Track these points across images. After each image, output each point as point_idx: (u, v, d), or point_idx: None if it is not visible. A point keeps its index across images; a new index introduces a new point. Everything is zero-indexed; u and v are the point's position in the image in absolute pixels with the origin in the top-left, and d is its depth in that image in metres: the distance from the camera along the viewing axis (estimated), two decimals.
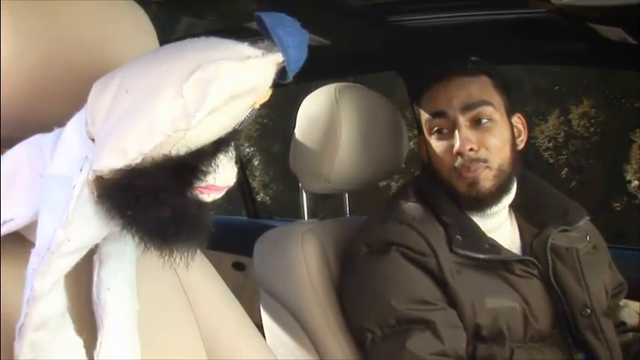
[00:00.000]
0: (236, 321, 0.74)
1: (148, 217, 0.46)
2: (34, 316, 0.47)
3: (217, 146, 0.49)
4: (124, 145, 0.44)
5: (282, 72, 0.48)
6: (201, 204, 0.49)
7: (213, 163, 0.48)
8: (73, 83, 0.54)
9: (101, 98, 0.47)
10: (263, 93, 0.48)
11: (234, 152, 0.51)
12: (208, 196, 0.50)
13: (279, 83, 0.49)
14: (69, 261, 0.48)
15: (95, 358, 0.53)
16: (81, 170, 0.46)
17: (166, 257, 0.49)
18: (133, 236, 0.48)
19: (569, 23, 1.24)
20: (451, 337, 1.02)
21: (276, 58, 0.46)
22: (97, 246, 0.55)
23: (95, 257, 0.56)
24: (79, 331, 0.52)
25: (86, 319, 0.55)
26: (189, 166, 0.47)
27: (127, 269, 0.58)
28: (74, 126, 0.49)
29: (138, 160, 0.44)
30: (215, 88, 0.43)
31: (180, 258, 0.50)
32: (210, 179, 0.48)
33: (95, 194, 0.46)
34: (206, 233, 0.51)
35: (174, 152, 0.45)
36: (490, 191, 1.10)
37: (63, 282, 0.49)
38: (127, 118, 0.45)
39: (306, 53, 0.49)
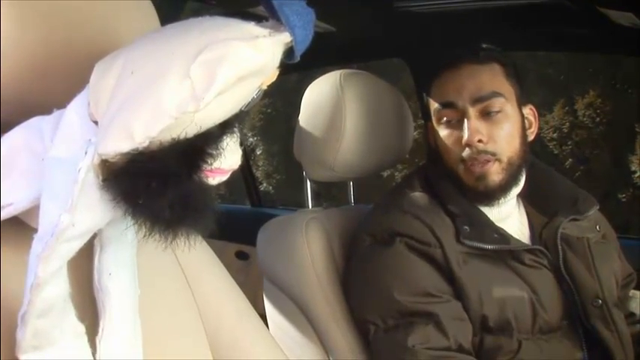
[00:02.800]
0: (239, 309, 0.74)
1: (155, 202, 0.45)
2: (37, 303, 0.46)
3: (224, 128, 0.48)
4: (130, 129, 0.43)
5: (289, 52, 0.47)
6: (207, 187, 0.49)
7: (219, 146, 0.47)
8: (74, 65, 0.53)
9: (104, 79, 0.46)
10: (270, 73, 0.47)
11: (239, 134, 0.50)
12: (214, 179, 0.49)
13: (287, 64, 0.48)
14: (72, 246, 0.47)
15: (97, 343, 0.53)
16: (86, 153, 0.45)
17: (169, 242, 0.48)
18: (138, 222, 0.47)
19: (579, 8, 1.22)
20: (455, 330, 1.01)
21: (283, 38, 0.45)
22: (98, 230, 0.54)
23: (96, 241, 0.55)
24: (81, 317, 0.51)
25: (88, 305, 0.54)
26: (197, 150, 0.46)
27: (128, 254, 0.57)
28: (75, 108, 0.48)
29: (145, 144, 0.43)
30: (223, 70, 0.43)
31: (184, 242, 0.49)
32: (216, 162, 0.47)
33: (100, 178, 0.45)
34: (211, 217, 0.50)
35: (182, 135, 0.44)
36: (499, 185, 1.08)
37: (65, 268, 0.48)
38: (132, 100, 0.44)
39: (313, 33, 0.48)
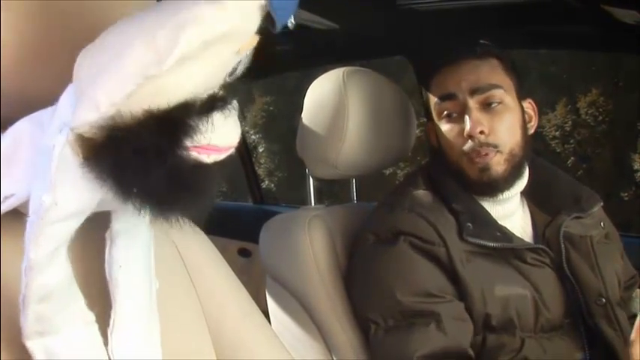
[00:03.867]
0: (242, 306, 0.74)
1: (136, 178, 0.44)
2: (34, 287, 0.46)
3: (211, 102, 0.46)
4: (96, 98, 0.43)
5: (271, 19, 0.45)
6: (200, 165, 0.47)
7: (205, 120, 0.45)
8: (75, 56, 0.53)
9: (83, 63, 0.46)
10: (246, 38, 0.45)
11: (234, 110, 0.48)
12: (208, 157, 0.47)
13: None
14: (63, 228, 0.46)
15: (109, 335, 0.52)
16: (61, 131, 0.44)
17: (162, 222, 0.48)
18: (125, 200, 0.45)
19: (582, 5, 1.22)
20: (456, 331, 1.01)
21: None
22: (109, 224, 0.54)
23: (107, 235, 0.55)
24: (91, 307, 0.51)
25: (101, 297, 0.54)
26: (176, 122, 0.44)
27: (140, 246, 0.57)
28: (66, 96, 0.48)
29: (110, 113, 0.42)
30: (187, 32, 0.41)
31: (180, 225, 0.48)
32: (205, 138, 0.45)
33: (80, 156, 0.45)
34: (208, 197, 0.49)
35: (153, 106, 0.43)
36: (502, 176, 1.08)
37: (65, 253, 0.48)
38: (101, 72, 0.43)
39: (297, 1, 0.46)
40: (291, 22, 0.48)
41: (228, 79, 0.48)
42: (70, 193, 0.45)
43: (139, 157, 0.43)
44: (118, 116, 0.43)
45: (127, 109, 0.43)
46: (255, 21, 0.45)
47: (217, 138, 0.46)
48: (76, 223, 0.48)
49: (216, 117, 0.46)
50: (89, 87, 0.43)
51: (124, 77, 0.42)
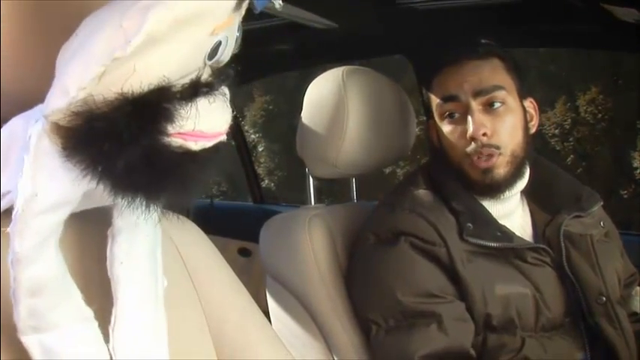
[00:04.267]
0: (242, 306, 0.73)
1: (113, 163, 0.43)
2: (23, 280, 0.45)
3: (194, 87, 0.45)
4: (65, 83, 0.42)
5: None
6: (188, 153, 0.46)
7: (187, 106, 0.44)
8: None
9: (63, 55, 0.45)
10: (221, 17, 0.44)
11: (222, 96, 0.47)
12: (195, 144, 0.46)
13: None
14: (48, 220, 0.46)
15: (110, 332, 0.52)
16: (36, 121, 0.44)
17: (145, 211, 0.46)
18: (107, 189, 0.44)
19: (582, 4, 1.22)
20: (457, 331, 1.01)
21: None
22: (111, 221, 0.54)
23: (109, 232, 0.55)
24: (90, 303, 0.50)
25: (101, 294, 0.53)
26: (151, 105, 0.43)
27: (143, 243, 0.56)
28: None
29: (80, 97, 0.42)
30: (155, 12, 0.41)
31: (169, 215, 0.48)
32: (189, 124, 0.44)
33: (59, 146, 0.44)
34: (195, 185, 0.48)
35: (127, 89, 0.42)
36: (505, 178, 1.08)
37: (55, 246, 0.47)
38: (71, 59, 0.43)
39: None
40: (279, 3, 0.47)
41: (208, 63, 0.46)
42: (50, 183, 0.45)
43: (115, 142, 0.42)
44: (91, 102, 0.42)
45: (99, 93, 0.42)
46: (229, 0, 0.44)
47: (203, 124, 0.45)
48: (61, 215, 0.47)
49: (201, 102, 0.45)
50: (60, 74, 0.43)
51: (91, 59, 0.41)
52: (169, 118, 0.43)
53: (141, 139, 0.43)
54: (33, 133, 0.44)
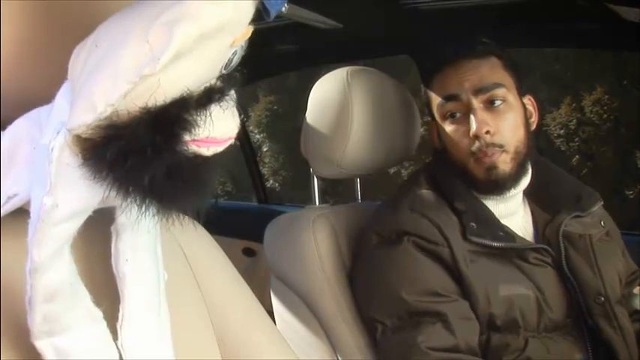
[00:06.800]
0: (246, 306, 0.73)
1: (137, 176, 0.43)
2: (39, 288, 0.45)
3: (208, 95, 0.46)
4: (92, 99, 0.42)
5: (264, 8, 0.45)
6: (200, 158, 0.46)
7: (203, 114, 0.45)
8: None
9: (78, 61, 0.45)
10: (240, 29, 0.45)
11: (231, 101, 0.48)
12: (207, 150, 0.47)
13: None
14: (66, 228, 0.46)
15: (118, 330, 0.52)
16: (58, 133, 0.44)
17: (167, 219, 0.47)
18: (127, 199, 0.45)
19: (587, 3, 1.22)
20: (463, 330, 1.01)
21: None
22: (113, 217, 0.54)
23: (112, 228, 0.54)
24: (99, 303, 0.51)
25: (107, 292, 0.53)
26: (173, 118, 0.43)
27: (146, 239, 0.56)
28: (63, 94, 0.47)
29: (107, 113, 0.42)
30: (181, 27, 0.41)
31: (181, 221, 0.48)
32: (204, 131, 0.45)
33: (79, 157, 0.44)
34: (208, 190, 0.48)
35: (150, 103, 0.42)
36: (509, 174, 1.09)
37: (68, 252, 0.48)
38: (95, 71, 0.43)
39: None
40: (285, 6, 0.47)
41: (224, 71, 0.47)
42: (70, 193, 0.45)
43: (138, 156, 0.42)
44: (114, 115, 0.42)
45: (124, 107, 0.42)
46: (248, 12, 0.44)
47: (216, 130, 0.46)
48: (78, 223, 0.47)
49: (214, 109, 0.46)
50: (84, 87, 0.43)
51: (119, 77, 0.41)
52: (189, 128, 0.44)
53: (162, 151, 0.43)
54: (56, 145, 0.44)
